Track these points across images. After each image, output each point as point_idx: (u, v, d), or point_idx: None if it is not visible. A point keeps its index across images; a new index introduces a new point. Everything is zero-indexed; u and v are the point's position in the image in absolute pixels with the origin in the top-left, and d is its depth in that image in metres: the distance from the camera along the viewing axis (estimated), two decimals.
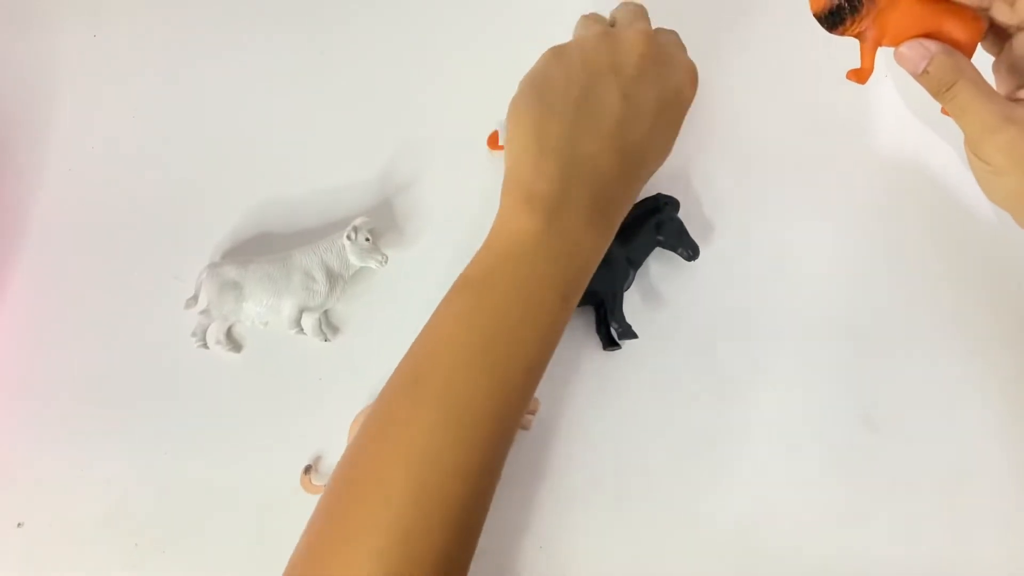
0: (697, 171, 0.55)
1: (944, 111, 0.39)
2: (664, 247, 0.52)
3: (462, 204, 0.55)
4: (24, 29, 0.60)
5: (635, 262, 0.51)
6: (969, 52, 0.38)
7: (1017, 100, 0.37)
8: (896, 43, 0.38)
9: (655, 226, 0.51)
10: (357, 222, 0.51)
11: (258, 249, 0.54)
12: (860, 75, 0.39)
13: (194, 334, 0.51)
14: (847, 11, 0.36)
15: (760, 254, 0.54)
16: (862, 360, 0.50)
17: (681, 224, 0.52)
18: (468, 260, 0.51)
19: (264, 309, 0.51)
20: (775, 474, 0.49)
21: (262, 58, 0.59)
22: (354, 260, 0.51)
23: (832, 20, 0.37)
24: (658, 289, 0.53)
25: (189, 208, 0.56)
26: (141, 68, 0.59)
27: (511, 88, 0.57)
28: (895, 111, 0.56)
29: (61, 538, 0.49)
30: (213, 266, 0.52)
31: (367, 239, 0.51)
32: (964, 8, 0.38)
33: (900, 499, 0.48)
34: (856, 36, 0.38)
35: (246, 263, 0.52)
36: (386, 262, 0.52)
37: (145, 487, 0.50)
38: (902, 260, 0.53)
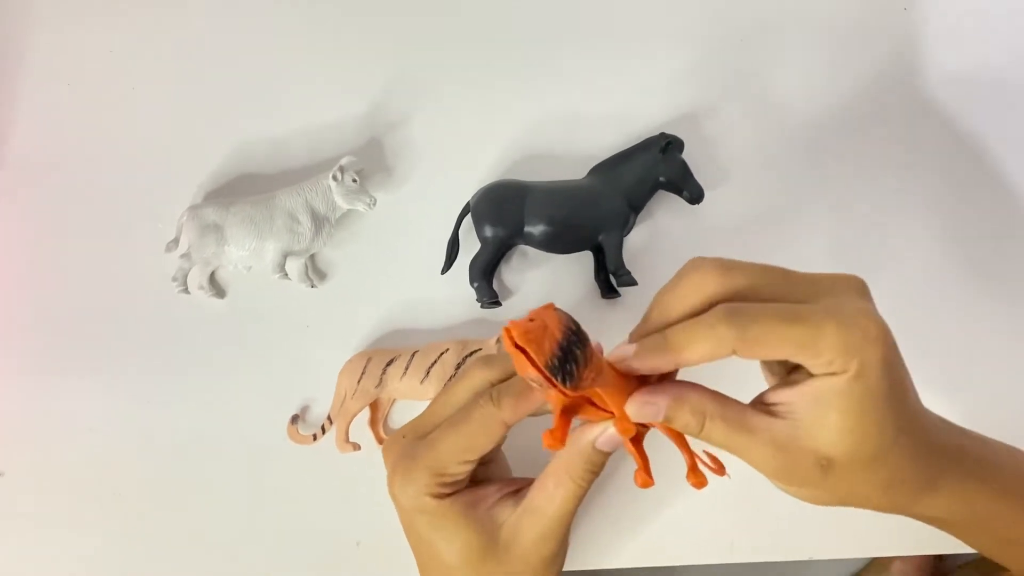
0: (704, 110, 0.53)
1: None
2: (667, 189, 0.49)
3: (453, 145, 0.52)
4: None
5: (636, 205, 0.49)
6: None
7: (766, 406, 0.32)
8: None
9: (657, 167, 0.49)
10: (343, 162, 0.49)
11: (241, 190, 0.52)
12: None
13: (174, 279, 0.50)
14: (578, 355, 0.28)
15: (767, 199, 0.51)
16: None
17: (685, 165, 0.49)
18: (459, 203, 0.49)
19: (247, 253, 0.49)
20: None
21: None
22: (341, 202, 0.49)
23: (567, 367, 0.28)
24: (660, 234, 0.51)
25: (169, 147, 0.53)
26: (117, 1, 0.56)
27: (504, 25, 0.54)
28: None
29: (42, 487, 0.48)
30: (194, 208, 0.50)
31: (354, 180, 0.49)
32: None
33: None
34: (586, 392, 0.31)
35: (228, 205, 0.50)
36: (374, 204, 0.49)
37: (127, 436, 0.49)
38: (914, 215, 0.51)
